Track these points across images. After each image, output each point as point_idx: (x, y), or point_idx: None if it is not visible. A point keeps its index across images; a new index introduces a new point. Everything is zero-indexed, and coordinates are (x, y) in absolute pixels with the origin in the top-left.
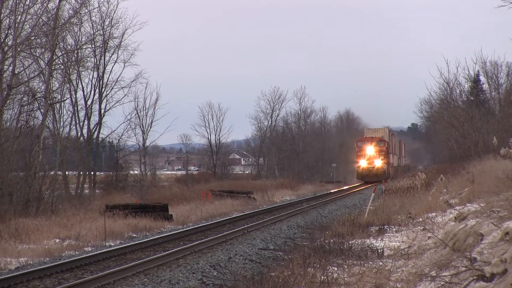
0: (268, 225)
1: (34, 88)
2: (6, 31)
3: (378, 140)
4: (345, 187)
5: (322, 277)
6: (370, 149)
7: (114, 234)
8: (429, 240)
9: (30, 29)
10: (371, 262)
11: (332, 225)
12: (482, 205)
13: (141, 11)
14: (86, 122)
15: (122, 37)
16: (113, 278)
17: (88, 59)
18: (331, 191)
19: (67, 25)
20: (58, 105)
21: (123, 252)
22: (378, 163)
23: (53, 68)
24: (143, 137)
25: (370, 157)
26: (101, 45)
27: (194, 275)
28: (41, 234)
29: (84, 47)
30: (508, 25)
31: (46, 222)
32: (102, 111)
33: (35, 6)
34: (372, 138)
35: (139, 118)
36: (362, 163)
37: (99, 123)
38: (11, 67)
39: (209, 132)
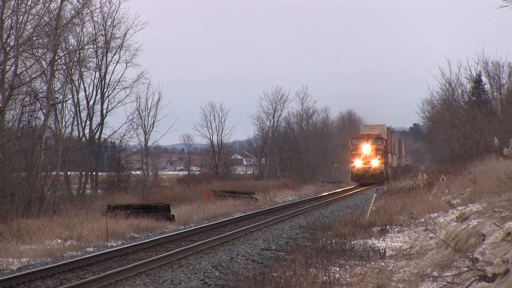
0: (270, 225)
1: (36, 88)
2: (8, 32)
3: (375, 138)
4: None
5: (324, 278)
6: (366, 148)
7: (116, 234)
8: (431, 241)
9: (32, 30)
10: (373, 263)
11: (334, 225)
12: (484, 205)
13: (142, 12)
14: (88, 122)
15: (124, 37)
16: (115, 279)
17: (90, 59)
18: (330, 192)
19: (69, 26)
20: (60, 105)
21: (125, 253)
22: (375, 163)
23: (55, 69)
24: (145, 138)
25: (366, 157)
26: (103, 46)
27: (196, 275)
28: (43, 235)
29: (86, 48)
30: (510, 25)
31: (48, 223)
32: (104, 111)
33: (37, 6)
34: (368, 136)
35: (141, 119)
36: (357, 163)
37: (101, 124)
38: (13, 68)
39: (211, 133)
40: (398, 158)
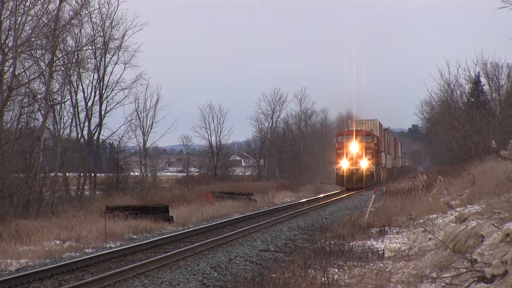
0: (269, 226)
1: (35, 89)
2: (7, 33)
3: (364, 134)
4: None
5: (323, 279)
6: (354, 146)
7: (115, 235)
8: (430, 242)
9: (30, 31)
10: (371, 264)
11: (332, 226)
12: (482, 206)
13: (141, 12)
14: (86, 123)
15: (123, 38)
16: (113, 280)
17: (89, 60)
18: (329, 193)
19: (67, 27)
20: (58, 106)
21: (123, 254)
22: (364, 164)
23: (53, 70)
24: (143, 139)
25: (354, 156)
26: (101, 47)
27: (194, 276)
28: (41, 236)
29: (84, 49)
30: (509, 26)
31: (47, 224)
32: (103, 112)
33: (35, 7)
34: (357, 132)
35: (140, 120)
36: (344, 164)
37: (100, 125)
38: (11, 69)
39: (209, 134)
40: (393, 159)
